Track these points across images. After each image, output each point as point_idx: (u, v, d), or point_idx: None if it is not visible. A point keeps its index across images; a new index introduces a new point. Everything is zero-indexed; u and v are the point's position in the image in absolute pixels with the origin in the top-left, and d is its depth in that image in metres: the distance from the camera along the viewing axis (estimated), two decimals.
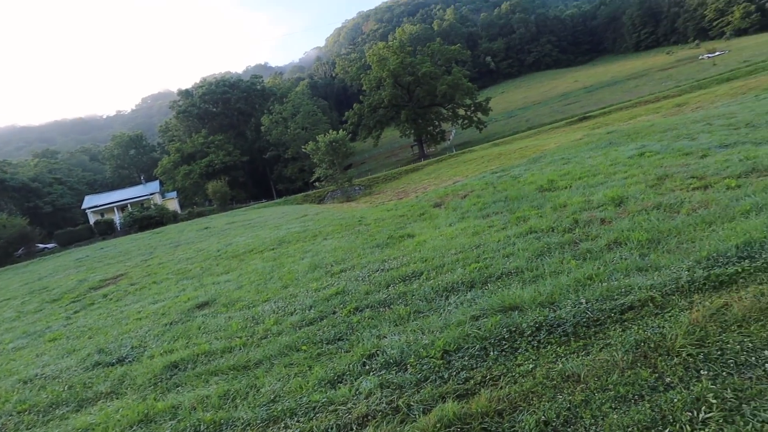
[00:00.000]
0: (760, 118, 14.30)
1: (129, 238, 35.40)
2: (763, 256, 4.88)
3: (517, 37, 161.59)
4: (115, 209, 62.33)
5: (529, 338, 4.48)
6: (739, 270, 4.70)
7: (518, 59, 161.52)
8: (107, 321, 9.72)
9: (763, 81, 31.78)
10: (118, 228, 54.99)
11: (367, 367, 4.73)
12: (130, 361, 6.74)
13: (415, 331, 5.23)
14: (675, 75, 77.45)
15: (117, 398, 5.57)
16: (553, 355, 4.14)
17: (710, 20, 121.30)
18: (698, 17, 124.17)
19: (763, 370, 3.32)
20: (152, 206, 57.25)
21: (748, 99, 23.16)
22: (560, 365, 3.95)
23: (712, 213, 6.53)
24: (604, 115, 48.24)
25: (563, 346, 4.24)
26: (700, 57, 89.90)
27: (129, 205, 62.22)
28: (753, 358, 3.46)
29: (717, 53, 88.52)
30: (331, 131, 49.78)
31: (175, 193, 73.06)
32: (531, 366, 4.06)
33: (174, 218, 53.84)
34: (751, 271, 4.66)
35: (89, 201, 65.35)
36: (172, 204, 66.18)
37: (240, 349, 6.11)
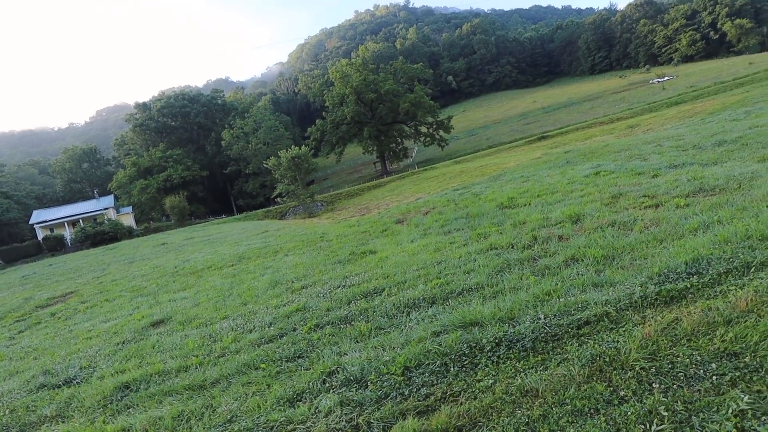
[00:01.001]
0: (706, 141, 15.07)
1: (81, 254, 34.04)
2: (710, 272, 5.11)
3: (477, 58, 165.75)
4: (66, 224, 59.92)
5: (489, 354, 4.53)
6: (688, 286, 4.90)
7: (479, 79, 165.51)
8: (54, 341, 9.27)
9: (708, 105, 33.56)
10: (69, 244, 52.86)
11: (327, 384, 4.67)
12: (78, 383, 6.44)
13: (376, 347, 5.20)
14: (628, 98, 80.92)
15: (63, 422, 5.29)
16: (513, 371, 4.19)
17: (659, 47, 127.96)
18: (648, 43, 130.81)
19: (711, 383, 3.45)
20: (106, 221, 55.33)
21: (695, 122, 24.38)
22: (519, 380, 4.00)
23: (663, 230, 6.80)
24: (562, 135, 49.82)
25: (522, 361, 4.30)
26: (651, 81, 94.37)
27: (81, 221, 59.91)
28: (701, 371, 3.59)
29: (666, 78, 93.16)
30: (293, 147, 49.61)
31: (130, 208, 70.93)
32: (491, 381, 4.10)
33: (129, 234, 52.18)
34: (699, 286, 4.87)
35: (38, 216, 62.61)
36: (128, 219, 64.19)
37: (196, 368, 5.93)
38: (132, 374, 6.13)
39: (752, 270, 4.97)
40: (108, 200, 67.33)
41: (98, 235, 49.31)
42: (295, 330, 6.46)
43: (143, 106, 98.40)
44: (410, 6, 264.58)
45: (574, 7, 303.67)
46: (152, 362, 6.50)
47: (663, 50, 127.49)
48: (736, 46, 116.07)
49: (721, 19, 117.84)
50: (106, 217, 59.93)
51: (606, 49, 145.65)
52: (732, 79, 64.55)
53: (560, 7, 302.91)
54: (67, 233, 56.91)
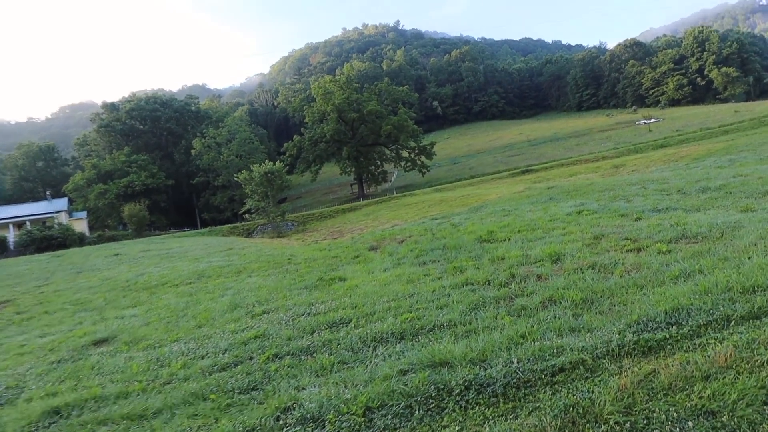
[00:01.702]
0: (690, 186, 15.50)
1: (23, 260, 32.93)
2: (690, 323, 5.15)
3: (465, 85, 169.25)
4: (11, 226, 57.95)
5: (458, 398, 4.44)
6: (667, 336, 4.92)
7: (465, 106, 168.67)
8: None
9: (693, 150, 34.71)
10: (11, 247, 51.09)
11: (281, 422, 4.50)
12: (1, 404, 6.10)
13: (337, 383, 5.07)
14: (614, 137, 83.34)
15: None
16: (481, 418, 4.11)
17: (647, 88, 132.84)
18: (636, 84, 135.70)
19: None
20: (56, 225, 53.81)
21: (680, 166, 25.14)
22: (488, 429, 3.92)
23: (643, 276, 6.87)
24: (546, 170, 50.79)
25: (492, 408, 4.22)
26: (637, 122, 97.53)
27: (28, 223, 58.13)
28: (677, 429, 3.57)
29: (653, 120, 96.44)
30: (267, 161, 49.42)
31: (85, 213, 69.28)
32: (457, 428, 4.00)
33: (80, 241, 50.83)
34: (678, 338, 4.89)
35: None
36: (80, 225, 62.58)
37: (138, 394, 5.68)
38: (65, 398, 5.84)
39: (732, 323, 5.02)
40: (61, 203, 65.64)
41: (45, 240, 47.89)
42: (251, 359, 6.28)
43: (111, 106, 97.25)
44: (400, 28, 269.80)
45: (564, 42, 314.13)
46: (89, 385, 6.21)
47: (650, 92, 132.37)
48: (722, 94, 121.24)
49: (708, 66, 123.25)
50: (56, 221, 58.25)
51: (594, 86, 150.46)
52: (718, 126, 67.12)
53: (550, 41, 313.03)
54: (11, 235, 54.99)
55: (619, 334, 5.08)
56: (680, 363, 4.37)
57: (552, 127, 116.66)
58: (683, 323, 5.17)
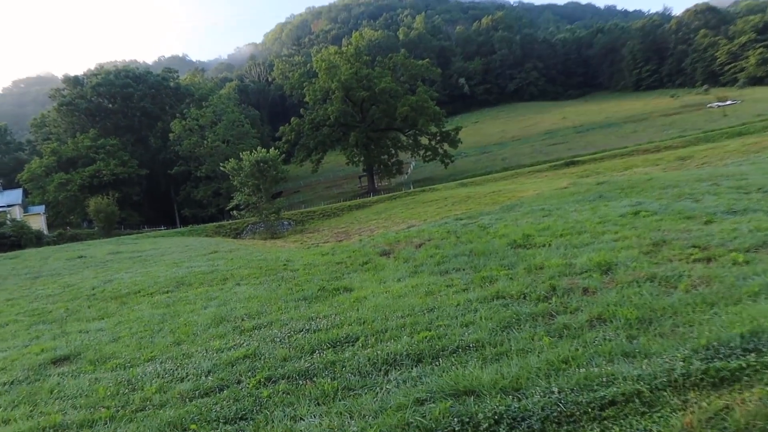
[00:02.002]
0: None
1: None
2: None
3: (497, 59, 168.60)
4: None
5: None
6: (744, 365, 4.86)
7: (497, 85, 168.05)
8: None
9: None
10: None
11: None
12: None
13: (341, 413, 5.09)
14: (679, 122, 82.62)
15: None
16: None
17: (722, 64, 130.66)
18: (708, 59, 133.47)
19: None
20: (8, 222, 54.41)
21: (762, 159, 24.86)
22: None
23: (714, 292, 6.81)
24: (595, 162, 50.51)
25: None
26: (709, 105, 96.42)
27: None
28: None
29: (728, 102, 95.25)
30: (259, 148, 49.67)
31: (42, 207, 70.06)
32: None
33: (37, 240, 51.39)
34: (758, 367, 4.83)
35: None
36: (37, 221, 63.30)
37: (105, 423, 5.74)
38: (19, 426, 5.92)
39: None
40: (14, 195, 66.40)
41: None
42: (239, 383, 6.32)
43: (74, 81, 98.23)
44: None
45: (619, 7, 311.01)
46: (48, 412, 6.29)
47: (726, 68, 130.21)
48: None
49: None
50: (9, 216, 58.83)
51: (656, 61, 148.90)
52: None
53: (602, 7, 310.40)
54: None
55: (683, 362, 5.05)
56: (759, 398, 4.33)
57: (603, 111, 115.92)
58: (764, 350, 5.11)
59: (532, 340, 6.19)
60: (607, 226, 12.52)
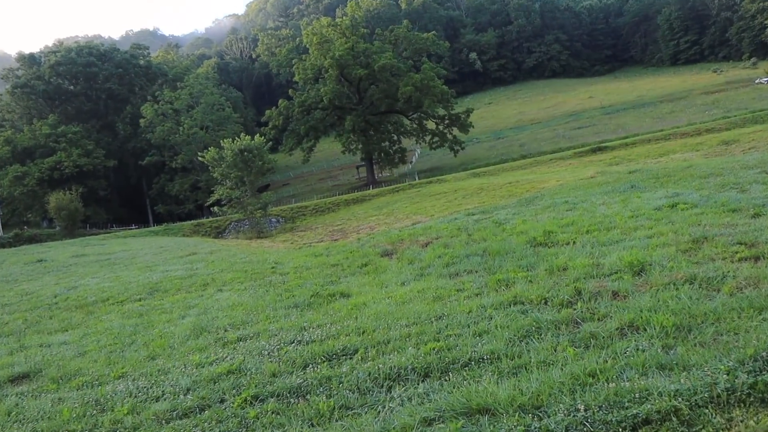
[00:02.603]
0: None
1: None
2: None
3: (514, 31, 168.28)
4: None
5: None
6: None
7: (514, 60, 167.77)
8: None
9: None
10: None
11: None
12: None
13: None
14: (723, 101, 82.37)
15: None
16: None
17: None
18: (757, 27, 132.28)
19: None
20: None
21: None
22: None
23: (763, 295, 6.80)
24: (626, 148, 50.44)
25: None
26: (758, 81, 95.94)
27: None
28: None
29: None
30: (243, 135, 49.60)
31: None
32: None
33: None
34: None
35: None
36: None
37: None
38: None
39: None
40: None
41: None
42: (223, 402, 6.34)
43: (30, 60, 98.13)
44: None
45: None
46: None
47: None
48: None
49: None
50: None
51: (696, 31, 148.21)
52: None
53: None
54: None
55: (727, 375, 5.06)
56: None
57: (635, 88, 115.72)
58: None
59: (555, 350, 6.21)
60: (639, 221, 12.52)
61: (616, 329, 6.50)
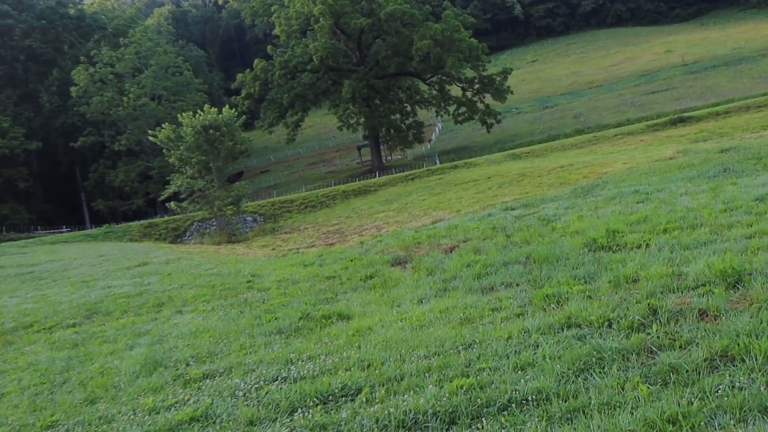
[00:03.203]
0: None
1: None
2: None
3: None
4: None
5: None
6: None
7: (566, 3, 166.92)
8: None
9: None
10: None
11: None
12: None
13: None
14: None
15: None
16: None
17: None
18: None
19: None
20: None
21: None
22: None
23: None
24: (717, 118, 50.21)
25: None
26: None
27: None
28: None
29: None
30: (207, 107, 49.56)
31: None
32: None
33: None
34: None
35: None
36: None
37: None
38: None
39: None
40: None
41: None
42: None
43: None
44: None
45: None
46: None
47: None
48: None
49: None
50: None
51: None
52: None
53: None
54: None
55: None
56: None
57: (728, 38, 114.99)
58: None
59: (622, 389, 6.21)
60: (735, 216, 12.47)
61: (705, 360, 6.49)
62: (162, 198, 56.18)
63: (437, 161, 67.19)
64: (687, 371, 6.35)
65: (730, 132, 39.17)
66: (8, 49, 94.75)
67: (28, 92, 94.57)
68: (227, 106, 52.39)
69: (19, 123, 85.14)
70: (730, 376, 6.10)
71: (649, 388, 6.12)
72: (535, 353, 7.37)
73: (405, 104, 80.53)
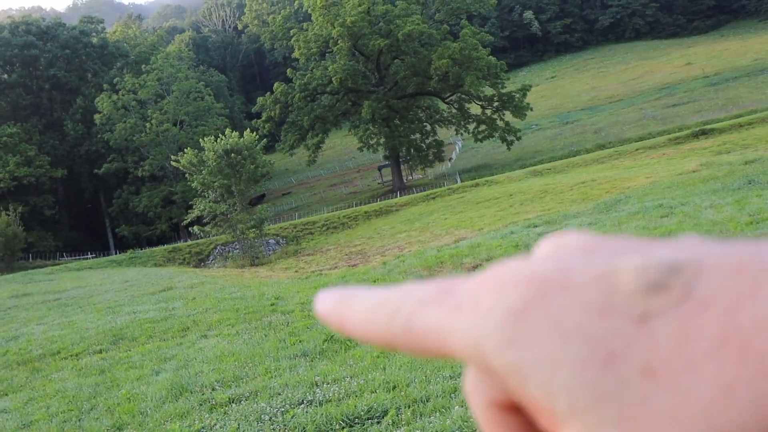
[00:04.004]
0: None
1: None
2: None
3: None
4: None
5: None
6: None
7: (583, 18, 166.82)
8: None
9: None
10: None
11: None
12: None
13: None
14: None
15: None
16: None
17: None
18: None
19: None
20: None
21: None
22: None
23: None
24: (740, 130, 49.92)
25: None
26: None
27: None
28: None
29: None
30: (228, 131, 49.76)
31: None
32: None
33: None
34: None
35: None
36: None
37: None
38: None
39: None
40: None
41: None
42: None
43: None
44: None
45: None
46: None
47: None
48: None
49: None
50: None
51: None
52: None
53: None
54: None
55: None
56: None
57: (750, 49, 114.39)
58: None
59: None
60: (762, 228, 12.39)
61: None
62: (185, 222, 56.39)
63: (458, 180, 67.21)
64: None
65: (754, 143, 38.96)
66: (33, 79, 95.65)
67: (53, 121, 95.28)
68: (248, 129, 52.49)
69: (45, 151, 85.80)
70: None
71: None
72: None
73: (425, 123, 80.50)
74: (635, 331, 0.30)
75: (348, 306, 0.40)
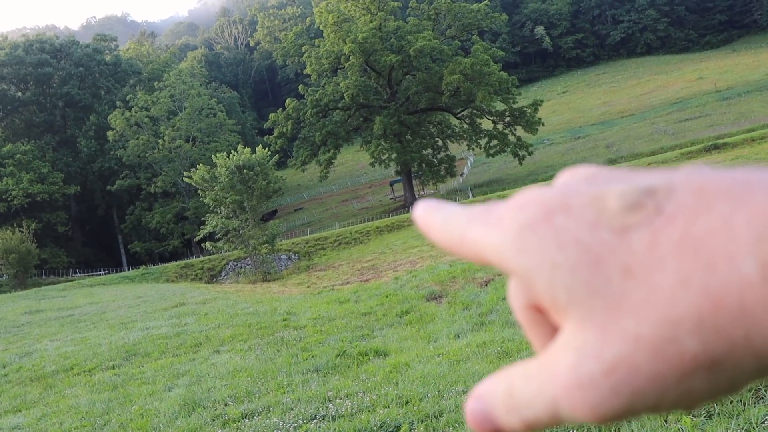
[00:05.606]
0: None
1: None
2: None
3: None
4: None
5: None
6: None
7: (595, 34, 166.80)
8: None
9: None
10: None
11: None
12: None
13: None
14: None
15: None
16: None
17: None
18: None
19: None
20: None
21: None
22: None
23: None
24: (753, 144, 49.75)
25: None
26: None
27: None
28: None
29: None
30: (240, 147, 49.89)
31: None
32: None
33: None
34: None
35: None
36: None
37: None
38: None
39: None
40: None
41: None
42: None
43: None
44: None
45: None
46: None
47: None
48: None
49: None
50: None
51: None
52: None
53: None
54: None
55: None
56: None
57: (761, 64, 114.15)
58: None
59: (665, 421, 6.11)
60: None
61: (750, 391, 6.37)
62: (197, 238, 56.47)
63: (470, 195, 67.22)
64: (732, 402, 6.24)
65: (767, 157, 38.78)
66: (47, 97, 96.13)
67: (66, 138, 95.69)
68: (260, 145, 52.67)
69: (58, 168, 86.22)
70: None
71: (692, 420, 6.03)
72: None
73: (436, 139, 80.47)
74: (617, 241, 0.39)
75: (432, 216, 0.51)
